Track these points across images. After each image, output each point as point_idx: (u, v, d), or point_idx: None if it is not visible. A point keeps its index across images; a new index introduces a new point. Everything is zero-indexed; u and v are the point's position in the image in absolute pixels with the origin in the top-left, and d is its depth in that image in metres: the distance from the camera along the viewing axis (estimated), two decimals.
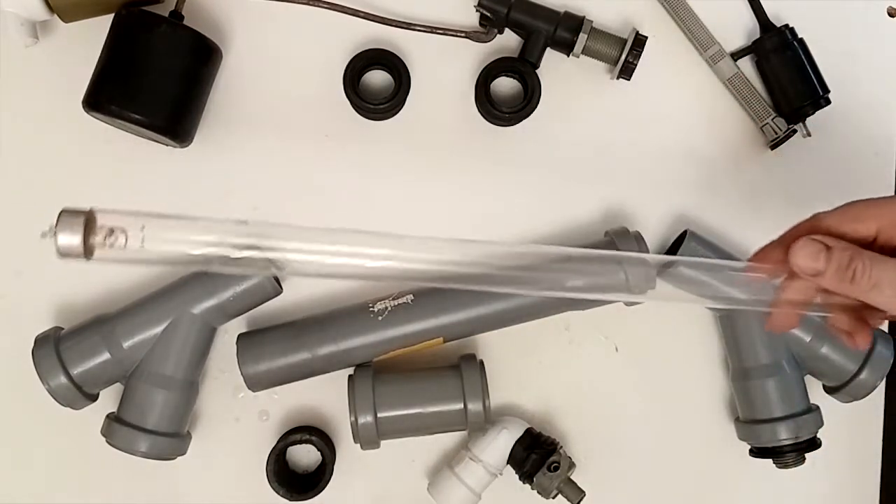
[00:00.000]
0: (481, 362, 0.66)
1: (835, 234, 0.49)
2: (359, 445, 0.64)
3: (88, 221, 0.47)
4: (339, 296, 0.68)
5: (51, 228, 0.47)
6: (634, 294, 0.61)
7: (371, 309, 0.64)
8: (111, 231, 0.48)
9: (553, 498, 0.65)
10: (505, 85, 0.71)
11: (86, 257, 0.47)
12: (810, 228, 0.50)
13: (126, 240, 0.47)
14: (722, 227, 0.70)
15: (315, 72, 0.70)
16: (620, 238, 0.65)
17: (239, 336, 0.65)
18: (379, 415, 0.63)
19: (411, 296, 0.64)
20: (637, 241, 0.65)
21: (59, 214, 0.47)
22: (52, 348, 0.62)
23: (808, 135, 0.70)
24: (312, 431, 0.66)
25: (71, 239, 0.46)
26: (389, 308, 0.64)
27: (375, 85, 0.71)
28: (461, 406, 0.63)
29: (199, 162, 0.69)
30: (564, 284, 0.55)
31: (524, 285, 0.56)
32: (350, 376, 0.65)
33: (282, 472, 0.66)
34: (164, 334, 0.63)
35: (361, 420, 0.62)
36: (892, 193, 0.72)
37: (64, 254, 0.46)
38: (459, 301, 0.64)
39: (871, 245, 0.50)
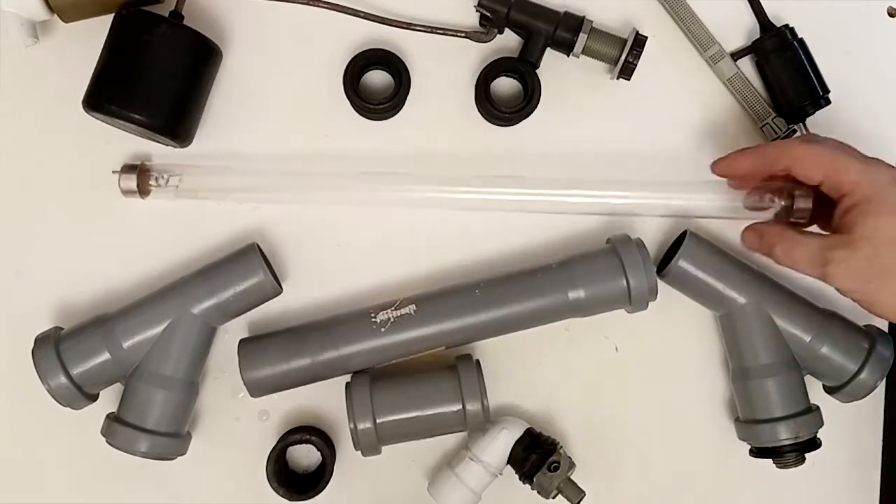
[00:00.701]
0: (477, 362, 0.66)
1: (792, 172, 0.61)
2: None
3: (141, 171, 0.66)
4: (340, 299, 0.69)
5: (115, 172, 0.66)
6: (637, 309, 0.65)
7: (373, 320, 0.64)
8: (161, 173, 0.67)
9: (553, 498, 0.65)
10: (505, 85, 0.71)
11: (141, 196, 0.66)
12: (776, 154, 0.62)
13: (167, 180, 0.66)
14: (722, 228, 0.70)
15: (315, 72, 0.70)
16: (622, 245, 0.64)
17: (240, 342, 0.64)
18: (378, 420, 0.62)
19: (413, 306, 0.64)
20: (639, 248, 0.64)
21: (122, 168, 0.66)
22: (52, 348, 0.62)
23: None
24: (312, 431, 0.66)
25: (129, 182, 0.66)
26: (392, 319, 0.63)
27: (375, 85, 0.71)
28: (460, 407, 0.63)
29: (199, 162, 0.68)
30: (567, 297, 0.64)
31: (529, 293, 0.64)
32: (347, 384, 0.65)
33: (282, 472, 0.66)
34: (164, 334, 0.63)
35: (361, 426, 0.62)
36: None
37: (126, 191, 0.66)
38: (463, 311, 0.64)
39: (817, 188, 0.61)
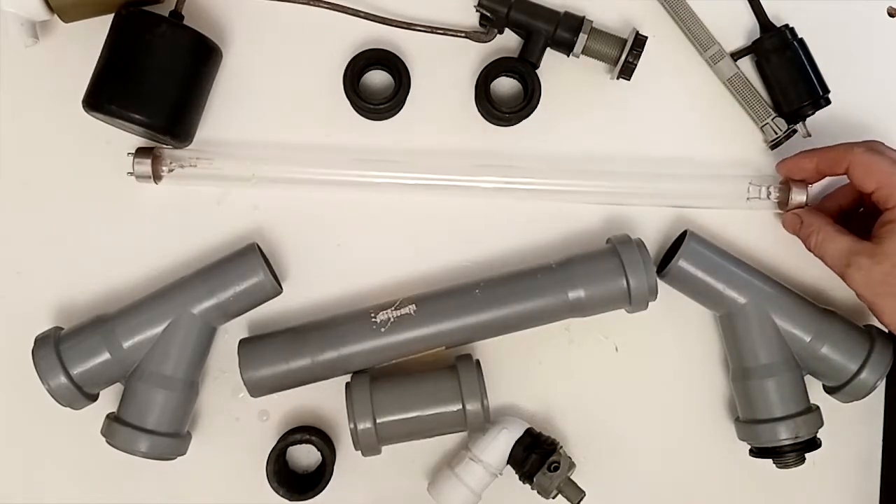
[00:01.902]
0: (477, 362, 0.66)
1: (849, 176, 0.64)
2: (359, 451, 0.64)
3: (155, 156, 0.66)
4: (340, 299, 0.69)
5: (129, 154, 0.66)
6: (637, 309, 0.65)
7: (373, 320, 0.64)
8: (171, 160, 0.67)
9: (553, 498, 0.65)
10: (505, 85, 0.71)
11: (154, 181, 0.66)
12: (838, 156, 0.64)
13: (182, 167, 0.67)
14: (722, 228, 0.70)
15: (315, 72, 0.70)
16: (622, 245, 0.64)
17: (240, 342, 0.64)
18: (378, 420, 0.62)
19: (413, 306, 0.64)
20: (639, 248, 0.64)
21: (136, 150, 0.66)
22: (52, 348, 0.62)
23: (809, 135, 0.70)
24: (312, 431, 0.66)
25: (144, 167, 0.66)
26: (392, 319, 0.63)
27: (375, 85, 0.71)
28: (460, 407, 0.63)
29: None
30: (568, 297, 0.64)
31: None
32: (347, 384, 0.65)
33: (282, 472, 0.66)
34: (164, 334, 0.63)
35: (361, 426, 0.62)
36: None
37: (140, 176, 0.66)
38: (463, 311, 0.64)
39: (868, 197, 0.64)
